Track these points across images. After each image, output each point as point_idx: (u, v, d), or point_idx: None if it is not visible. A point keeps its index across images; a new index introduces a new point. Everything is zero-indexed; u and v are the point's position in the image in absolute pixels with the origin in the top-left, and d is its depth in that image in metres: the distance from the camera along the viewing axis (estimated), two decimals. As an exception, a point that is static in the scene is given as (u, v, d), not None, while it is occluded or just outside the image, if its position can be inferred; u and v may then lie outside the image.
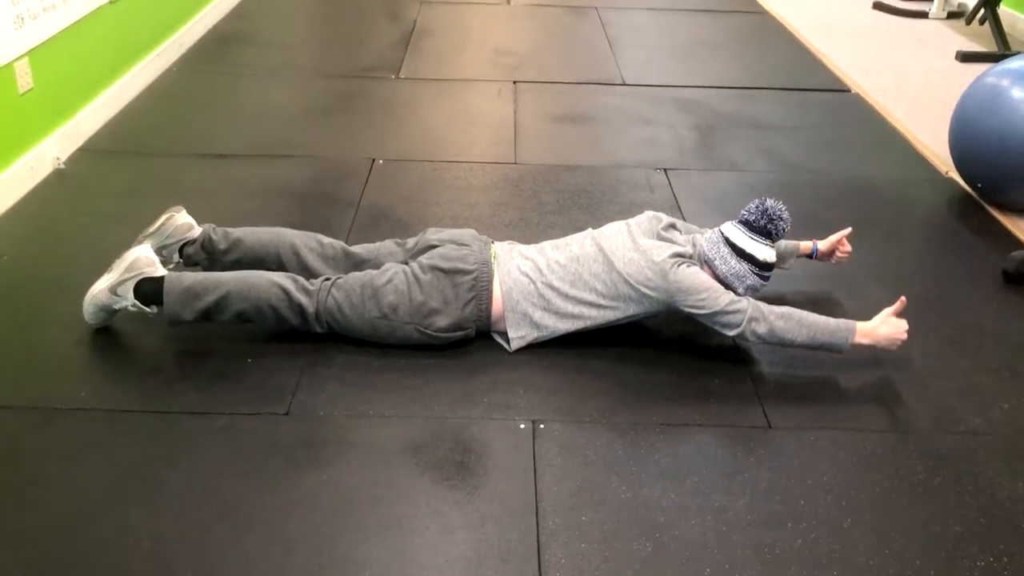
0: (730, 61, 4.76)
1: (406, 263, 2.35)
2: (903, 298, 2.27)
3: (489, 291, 2.30)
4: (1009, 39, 5.00)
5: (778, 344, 2.23)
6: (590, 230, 2.43)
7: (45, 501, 1.84)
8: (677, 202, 3.20)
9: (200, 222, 2.49)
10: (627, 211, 2.52)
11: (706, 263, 2.34)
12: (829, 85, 4.47)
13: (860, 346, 2.22)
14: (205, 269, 2.43)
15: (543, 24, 5.35)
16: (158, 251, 2.40)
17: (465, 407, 2.15)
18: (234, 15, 5.24)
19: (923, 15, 5.77)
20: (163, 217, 2.43)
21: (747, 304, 2.20)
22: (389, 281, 2.27)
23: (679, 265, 2.23)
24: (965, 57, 4.93)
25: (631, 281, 2.25)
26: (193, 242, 2.44)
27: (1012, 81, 3.09)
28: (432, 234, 2.42)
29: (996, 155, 3.10)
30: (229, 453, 1.98)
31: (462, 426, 2.09)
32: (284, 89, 4.14)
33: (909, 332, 2.26)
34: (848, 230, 2.56)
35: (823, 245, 2.57)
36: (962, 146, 3.27)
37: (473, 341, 2.35)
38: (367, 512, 1.85)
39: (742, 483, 1.96)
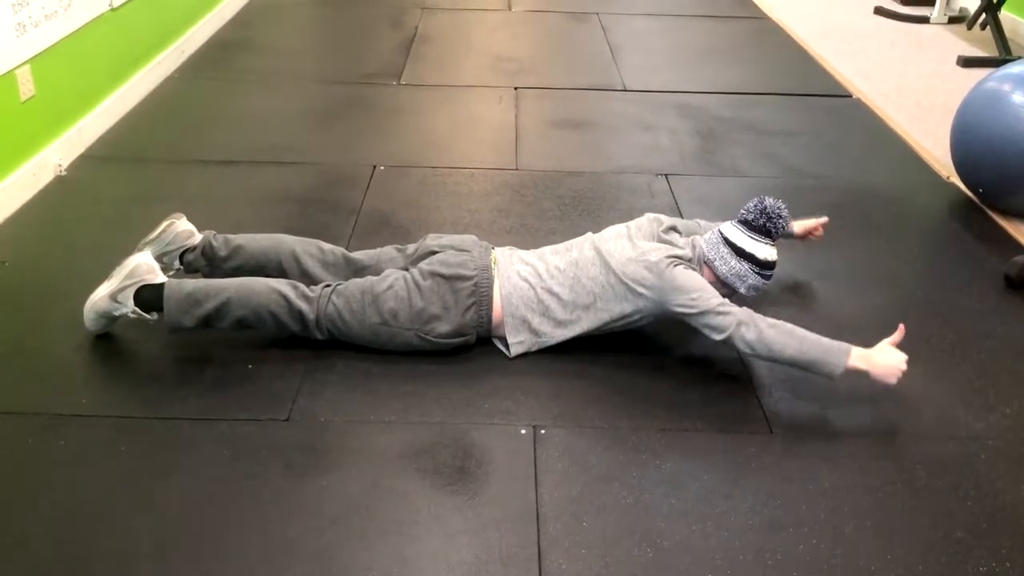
0: (731, 66, 4.76)
1: (407, 269, 2.35)
2: (902, 327, 2.16)
3: (489, 297, 2.30)
4: (1010, 44, 5.00)
5: (766, 355, 2.12)
6: (590, 234, 2.43)
7: (46, 507, 1.84)
8: (678, 207, 3.20)
9: (201, 229, 2.49)
10: (628, 217, 2.52)
11: (706, 264, 2.34)
12: (830, 90, 4.47)
13: (855, 371, 2.10)
14: (206, 276, 2.43)
15: (544, 30, 5.35)
16: (158, 258, 2.40)
17: (466, 413, 2.15)
18: (235, 22, 5.25)
19: (924, 20, 5.77)
20: (164, 224, 2.44)
21: (739, 309, 2.17)
22: (390, 287, 2.27)
23: (675, 265, 2.22)
24: (966, 62, 4.92)
25: (626, 280, 2.24)
26: (193, 249, 2.44)
27: (1013, 86, 3.09)
28: (432, 240, 2.42)
29: (997, 160, 3.09)
30: (230, 459, 1.98)
31: (463, 432, 2.09)
32: (285, 96, 4.15)
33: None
34: (824, 219, 2.64)
35: (798, 228, 2.61)
36: (963, 151, 3.27)
37: (473, 347, 2.35)
38: (368, 517, 1.85)
39: (743, 489, 1.96)
